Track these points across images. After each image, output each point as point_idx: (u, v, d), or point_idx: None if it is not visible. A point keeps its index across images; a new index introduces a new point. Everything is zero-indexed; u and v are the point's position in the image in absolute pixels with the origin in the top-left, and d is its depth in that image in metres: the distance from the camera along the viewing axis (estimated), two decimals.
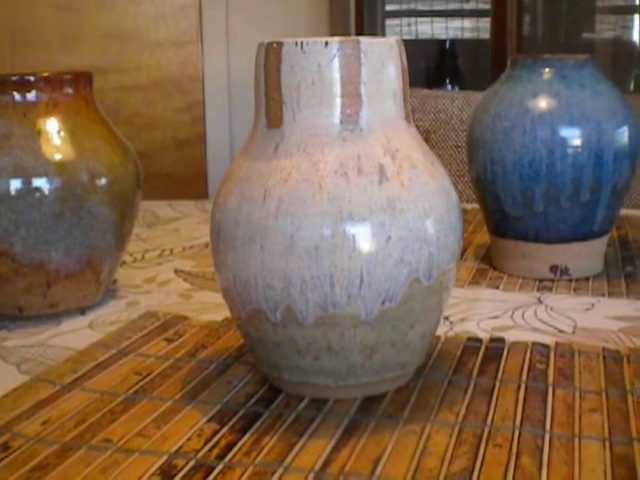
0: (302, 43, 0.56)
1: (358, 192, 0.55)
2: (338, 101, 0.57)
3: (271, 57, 0.58)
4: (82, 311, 0.81)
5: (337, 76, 0.56)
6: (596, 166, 0.84)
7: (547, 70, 0.87)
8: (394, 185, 0.56)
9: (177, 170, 2.61)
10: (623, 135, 0.85)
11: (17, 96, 0.76)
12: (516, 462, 0.50)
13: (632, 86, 2.55)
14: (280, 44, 0.57)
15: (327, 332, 0.56)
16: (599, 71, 0.88)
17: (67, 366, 0.67)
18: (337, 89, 0.56)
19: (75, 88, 0.79)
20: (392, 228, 0.55)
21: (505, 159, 0.86)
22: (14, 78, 0.76)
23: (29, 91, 0.77)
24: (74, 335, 0.75)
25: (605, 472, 0.49)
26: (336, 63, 0.56)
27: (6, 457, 0.52)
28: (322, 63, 0.56)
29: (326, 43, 0.56)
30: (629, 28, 2.71)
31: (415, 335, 0.59)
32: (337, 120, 0.57)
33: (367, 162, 0.56)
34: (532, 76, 0.87)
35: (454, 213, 0.59)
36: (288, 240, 0.55)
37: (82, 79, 0.80)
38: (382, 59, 0.58)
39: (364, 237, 0.55)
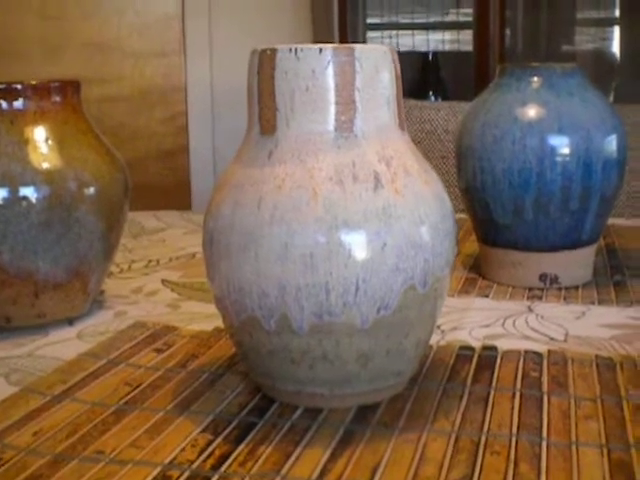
0: (296, 49, 0.56)
1: (353, 199, 0.55)
2: (332, 108, 0.56)
3: (265, 64, 0.57)
4: (70, 321, 0.80)
5: (331, 83, 0.56)
6: (585, 174, 0.84)
7: (535, 79, 0.87)
8: (389, 192, 0.55)
9: (160, 181, 2.60)
10: (612, 143, 0.86)
11: (4, 104, 0.76)
12: (514, 469, 0.50)
13: (612, 97, 2.57)
14: (274, 50, 0.57)
15: (322, 340, 0.56)
16: (587, 79, 0.89)
17: (56, 377, 0.66)
18: (331, 96, 0.56)
19: (63, 96, 0.78)
20: (387, 235, 0.55)
21: (494, 168, 0.86)
22: (1, 86, 0.76)
23: (16, 99, 0.76)
24: (62, 345, 0.74)
25: (604, 479, 0.49)
26: (330, 70, 0.56)
27: None
28: (316, 70, 0.56)
29: (320, 50, 0.56)
30: (609, 40, 2.73)
31: (410, 343, 0.59)
32: (331, 127, 0.56)
33: (362, 169, 0.56)
34: (521, 85, 0.87)
35: (449, 220, 0.59)
36: (283, 247, 0.54)
37: (70, 87, 0.79)
38: (376, 66, 0.57)
39: (359, 244, 0.54)
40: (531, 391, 0.62)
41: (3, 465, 0.52)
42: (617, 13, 2.69)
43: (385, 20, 2.83)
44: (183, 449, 0.54)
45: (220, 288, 0.58)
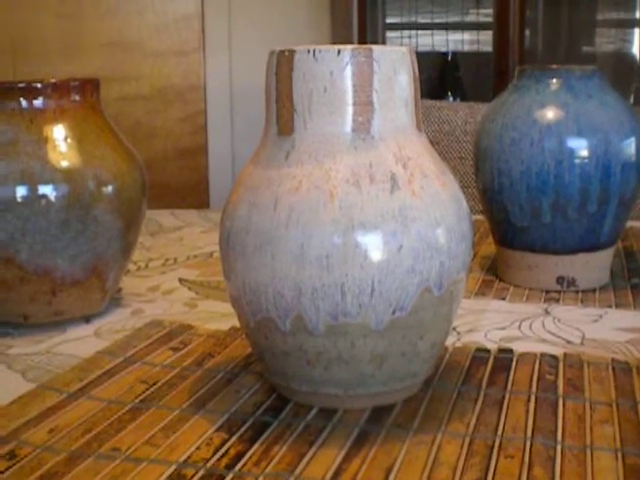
0: (314, 51, 0.56)
1: (370, 200, 0.55)
2: (350, 109, 0.56)
3: (283, 65, 0.57)
4: (87, 319, 0.81)
5: (349, 84, 0.56)
6: (604, 177, 0.84)
7: (554, 81, 0.87)
8: (406, 194, 0.56)
9: (179, 180, 2.61)
10: (630, 146, 0.85)
11: (24, 103, 0.76)
12: (528, 473, 0.50)
13: (632, 99, 2.56)
14: (292, 52, 0.57)
15: (337, 341, 0.56)
16: (606, 82, 0.88)
17: (73, 374, 0.66)
18: (349, 97, 0.56)
19: (82, 95, 0.79)
20: (404, 237, 0.55)
21: (512, 170, 0.85)
22: (21, 85, 0.76)
23: (36, 98, 0.76)
24: (80, 343, 0.75)
25: None
26: (348, 71, 0.56)
27: (13, 465, 0.52)
28: (334, 71, 0.56)
29: (339, 51, 0.56)
30: (629, 42, 2.71)
31: (425, 345, 0.59)
32: (349, 128, 0.56)
33: (379, 170, 0.56)
34: (539, 86, 0.87)
35: (465, 222, 0.59)
36: (299, 248, 0.54)
37: (89, 86, 0.80)
38: (394, 67, 0.57)
39: (376, 246, 0.54)
40: (546, 394, 0.61)
41: (19, 462, 0.52)
42: (638, 14, 2.67)
43: (404, 20, 2.82)
44: (198, 448, 0.54)
45: (236, 288, 0.58)
